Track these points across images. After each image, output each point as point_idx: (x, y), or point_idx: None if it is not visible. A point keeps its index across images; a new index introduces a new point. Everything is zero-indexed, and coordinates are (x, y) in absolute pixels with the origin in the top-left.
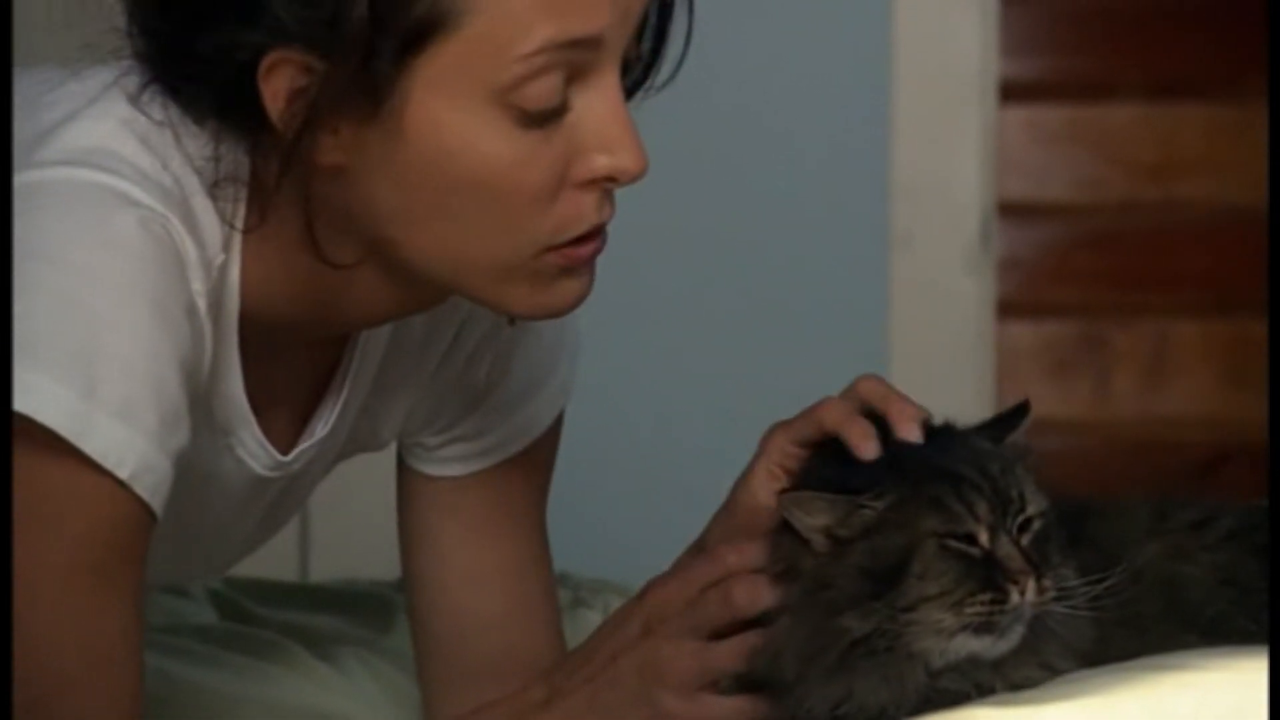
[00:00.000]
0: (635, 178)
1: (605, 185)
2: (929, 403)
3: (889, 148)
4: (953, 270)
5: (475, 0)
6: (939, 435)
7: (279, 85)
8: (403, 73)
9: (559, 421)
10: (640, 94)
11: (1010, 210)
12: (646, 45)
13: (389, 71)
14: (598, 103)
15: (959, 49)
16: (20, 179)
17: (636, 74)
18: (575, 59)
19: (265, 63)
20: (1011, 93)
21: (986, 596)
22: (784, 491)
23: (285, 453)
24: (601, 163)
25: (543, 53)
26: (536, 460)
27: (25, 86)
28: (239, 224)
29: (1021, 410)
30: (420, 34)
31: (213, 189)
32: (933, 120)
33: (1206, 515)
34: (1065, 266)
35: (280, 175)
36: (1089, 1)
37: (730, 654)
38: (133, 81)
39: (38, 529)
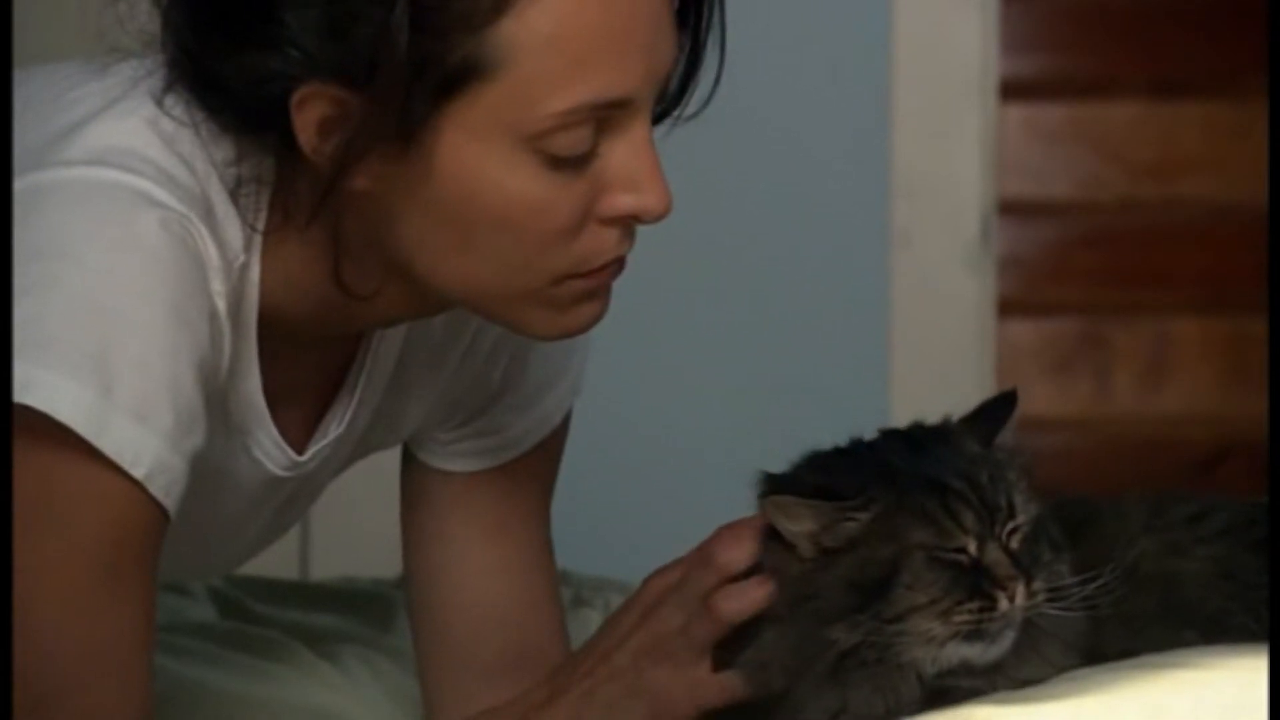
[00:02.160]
0: (659, 217)
1: (628, 222)
2: (929, 402)
3: (889, 147)
4: (953, 269)
5: (511, 53)
6: (930, 440)
7: (311, 116)
8: (436, 113)
9: (567, 419)
10: (668, 122)
11: (1010, 209)
12: (674, 85)
13: (423, 112)
14: (626, 146)
15: (959, 48)
16: (42, 177)
17: (664, 106)
18: (606, 115)
19: (298, 95)
20: (1011, 91)
21: (975, 604)
22: (766, 496)
23: (300, 452)
24: (626, 202)
25: (574, 112)
26: (546, 456)
27: (49, 83)
28: (260, 225)
29: (1008, 400)
30: (456, 79)
31: (234, 191)
32: (933, 119)
33: (1202, 510)
34: (1065, 265)
35: (314, 211)
36: (1089, 0)
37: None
38: (158, 81)
39: (50, 527)
